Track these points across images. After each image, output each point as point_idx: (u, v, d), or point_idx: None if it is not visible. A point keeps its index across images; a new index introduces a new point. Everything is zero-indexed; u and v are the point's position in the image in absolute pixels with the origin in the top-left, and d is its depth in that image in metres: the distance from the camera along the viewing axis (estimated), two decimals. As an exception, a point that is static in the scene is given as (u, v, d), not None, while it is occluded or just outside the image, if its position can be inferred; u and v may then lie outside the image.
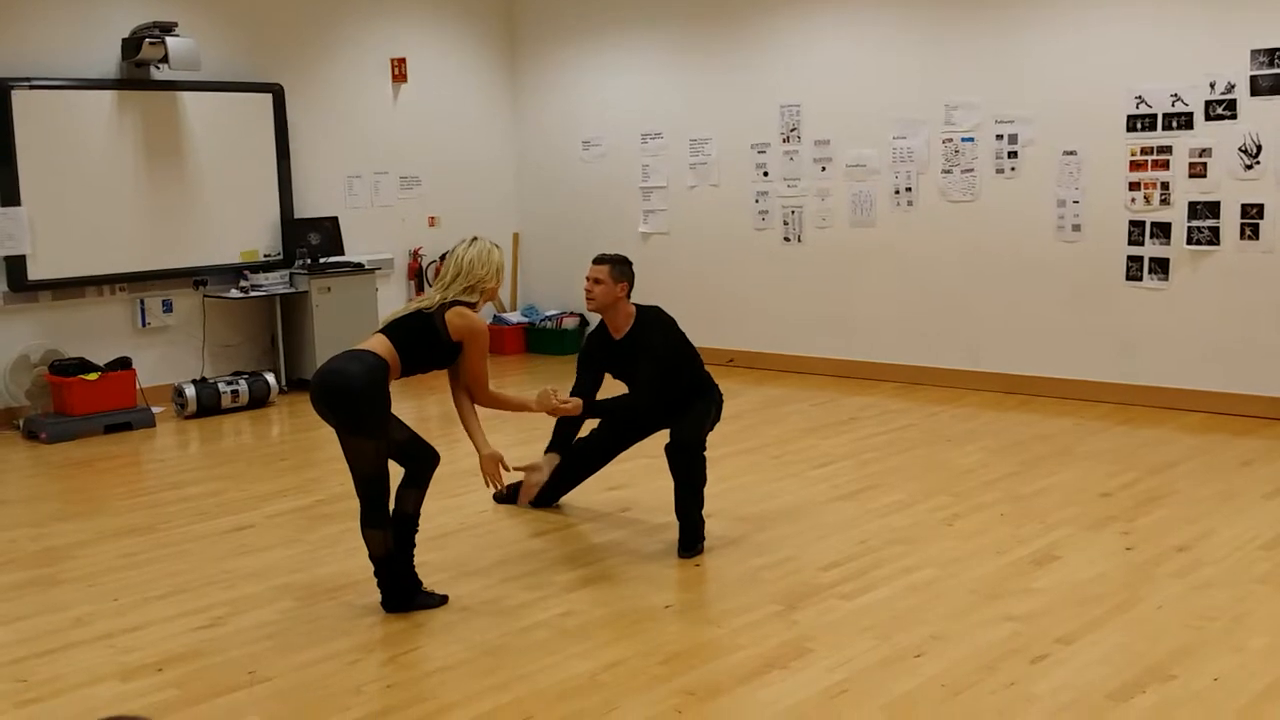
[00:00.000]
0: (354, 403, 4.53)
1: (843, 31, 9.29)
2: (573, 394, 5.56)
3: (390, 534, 4.68)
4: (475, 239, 4.92)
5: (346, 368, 4.56)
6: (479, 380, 4.91)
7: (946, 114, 8.78)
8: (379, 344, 4.67)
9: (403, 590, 4.73)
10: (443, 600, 4.79)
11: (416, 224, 10.70)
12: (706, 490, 5.68)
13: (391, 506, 4.74)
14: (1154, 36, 7.80)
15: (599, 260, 5.54)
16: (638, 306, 5.63)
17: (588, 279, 5.54)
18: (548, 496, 6.01)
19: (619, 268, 5.52)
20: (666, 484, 6.30)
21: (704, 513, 5.46)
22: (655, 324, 5.60)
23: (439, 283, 4.86)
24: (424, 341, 4.74)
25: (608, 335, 5.65)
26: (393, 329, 4.74)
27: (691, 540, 5.36)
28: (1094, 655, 4.13)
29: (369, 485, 4.63)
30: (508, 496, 5.98)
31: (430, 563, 5.12)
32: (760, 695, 3.90)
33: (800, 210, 9.69)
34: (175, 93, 9.09)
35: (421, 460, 4.83)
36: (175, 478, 7.06)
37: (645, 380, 5.51)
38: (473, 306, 4.82)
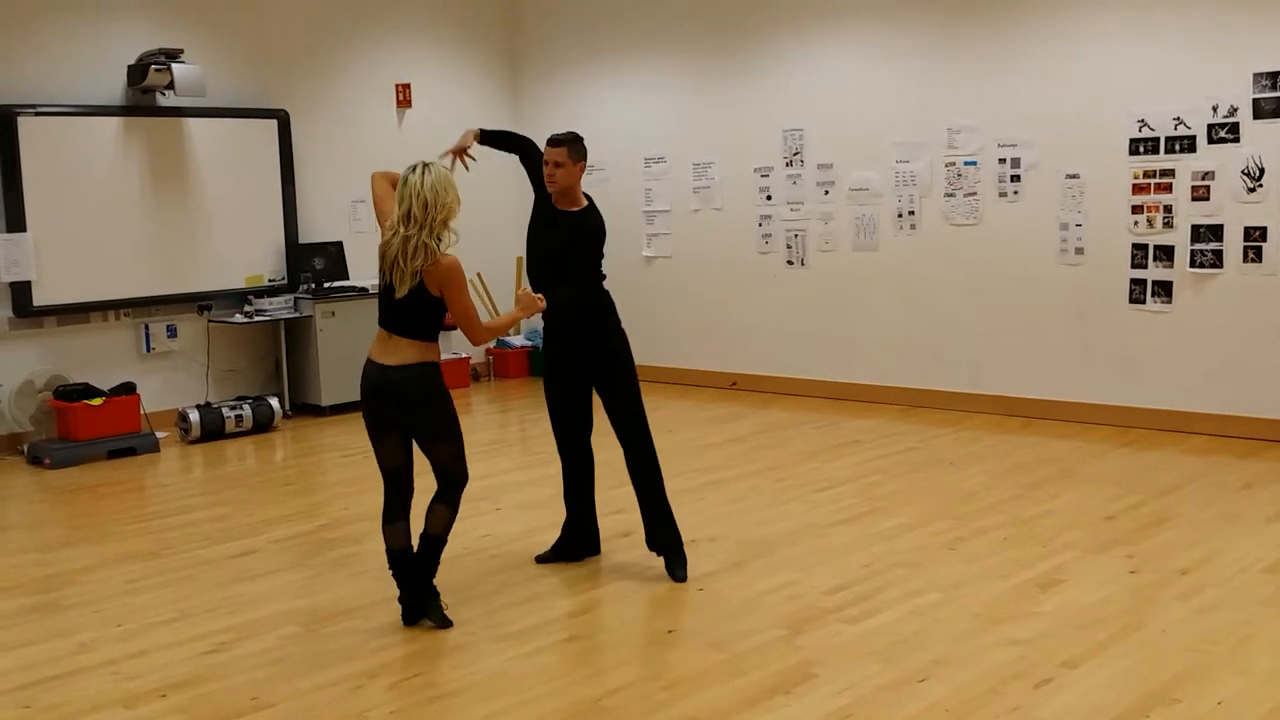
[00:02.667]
0: (433, 410, 4.76)
1: (846, 55, 9.33)
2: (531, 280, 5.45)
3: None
4: (426, 165, 4.62)
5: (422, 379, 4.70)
6: (468, 319, 4.72)
7: (949, 137, 8.81)
8: (417, 351, 4.67)
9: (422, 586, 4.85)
10: (448, 623, 4.80)
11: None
12: (710, 513, 5.67)
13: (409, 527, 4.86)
14: (1156, 60, 7.83)
15: (555, 142, 5.26)
16: (586, 195, 5.47)
17: (546, 163, 5.27)
18: (588, 545, 5.71)
19: (576, 146, 5.30)
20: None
21: (709, 536, 5.44)
22: (598, 214, 5.45)
23: (411, 225, 4.55)
24: (432, 314, 4.68)
25: (554, 207, 5.37)
26: (404, 322, 4.66)
27: (674, 540, 5.33)
28: (1098, 679, 4.12)
29: (460, 466, 4.88)
30: (549, 557, 5.75)
31: (435, 586, 5.12)
32: (764, 720, 3.90)
33: (803, 234, 9.72)
34: (181, 119, 9.13)
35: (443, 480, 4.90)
36: (179, 503, 7.07)
37: (587, 256, 5.37)
38: (440, 243, 4.62)
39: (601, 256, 5.47)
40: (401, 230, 4.59)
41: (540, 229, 5.43)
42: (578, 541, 5.66)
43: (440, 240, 4.60)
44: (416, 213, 4.56)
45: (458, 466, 4.86)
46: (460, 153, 5.37)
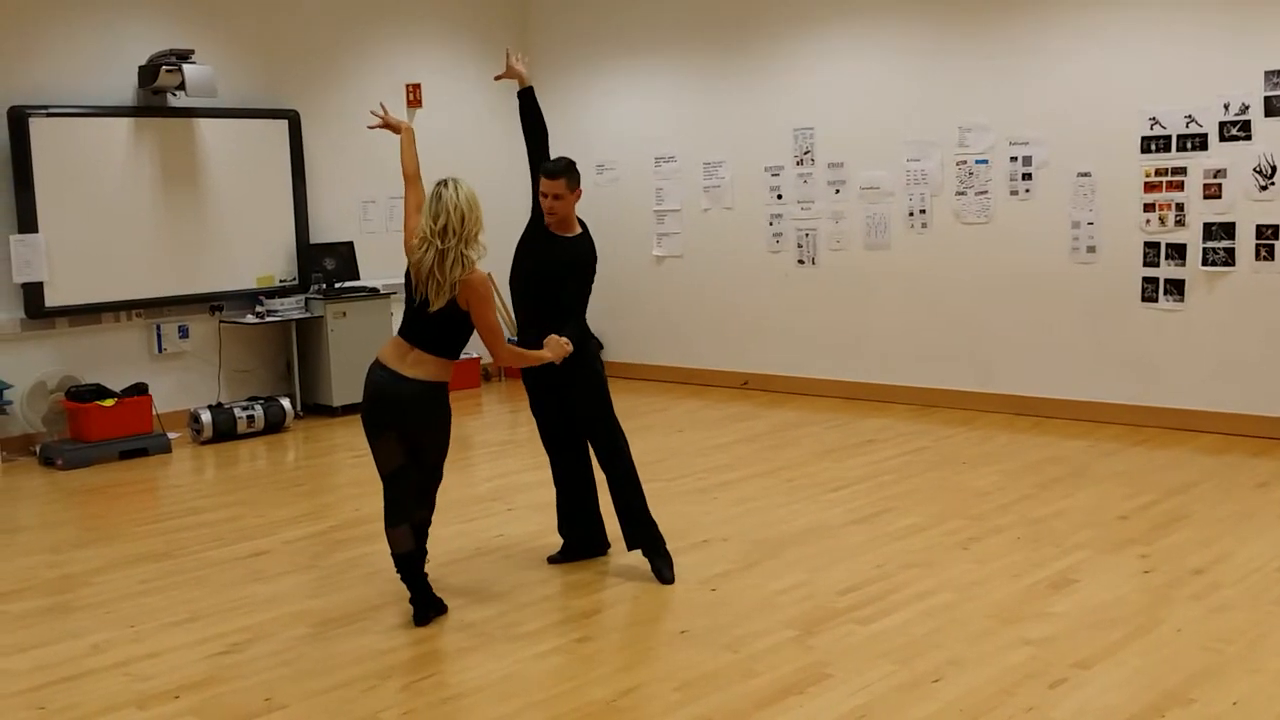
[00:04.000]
0: (436, 430, 4.84)
1: (856, 54, 9.32)
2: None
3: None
4: (455, 180, 4.72)
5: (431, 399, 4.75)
6: (495, 335, 4.77)
7: (960, 136, 8.79)
8: (437, 368, 4.72)
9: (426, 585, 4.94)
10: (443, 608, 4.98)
11: (431, 248, 10.73)
12: (721, 513, 5.62)
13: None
14: (1167, 58, 7.80)
15: (552, 174, 5.17)
16: (581, 221, 5.42)
17: (545, 195, 5.19)
18: (597, 545, 5.69)
19: (573, 176, 5.24)
20: (678, 509, 6.33)
21: (721, 536, 5.41)
22: (591, 243, 5.40)
23: (449, 238, 4.61)
24: (460, 330, 4.75)
25: (547, 228, 5.29)
26: (431, 338, 4.71)
27: (656, 542, 5.34)
28: (1113, 679, 4.11)
29: (439, 474, 4.96)
30: (560, 558, 5.64)
31: (447, 587, 5.12)
32: (777, 721, 3.89)
33: (814, 233, 9.71)
34: (192, 119, 9.14)
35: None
36: (191, 504, 7.08)
37: (579, 294, 5.33)
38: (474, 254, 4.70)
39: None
40: (438, 244, 4.62)
41: (533, 250, 5.37)
42: (585, 541, 5.65)
43: (474, 251, 4.66)
44: (454, 225, 4.61)
45: (438, 474, 4.97)
46: (513, 73, 5.46)
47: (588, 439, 5.46)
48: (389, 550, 4.91)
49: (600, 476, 5.55)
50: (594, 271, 5.43)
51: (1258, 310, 7.60)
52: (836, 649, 4.45)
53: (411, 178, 5.05)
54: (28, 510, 7.15)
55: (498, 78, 5.74)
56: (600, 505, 5.66)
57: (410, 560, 4.85)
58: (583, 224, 5.41)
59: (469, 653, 4.56)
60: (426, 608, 4.87)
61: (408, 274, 4.80)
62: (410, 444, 4.81)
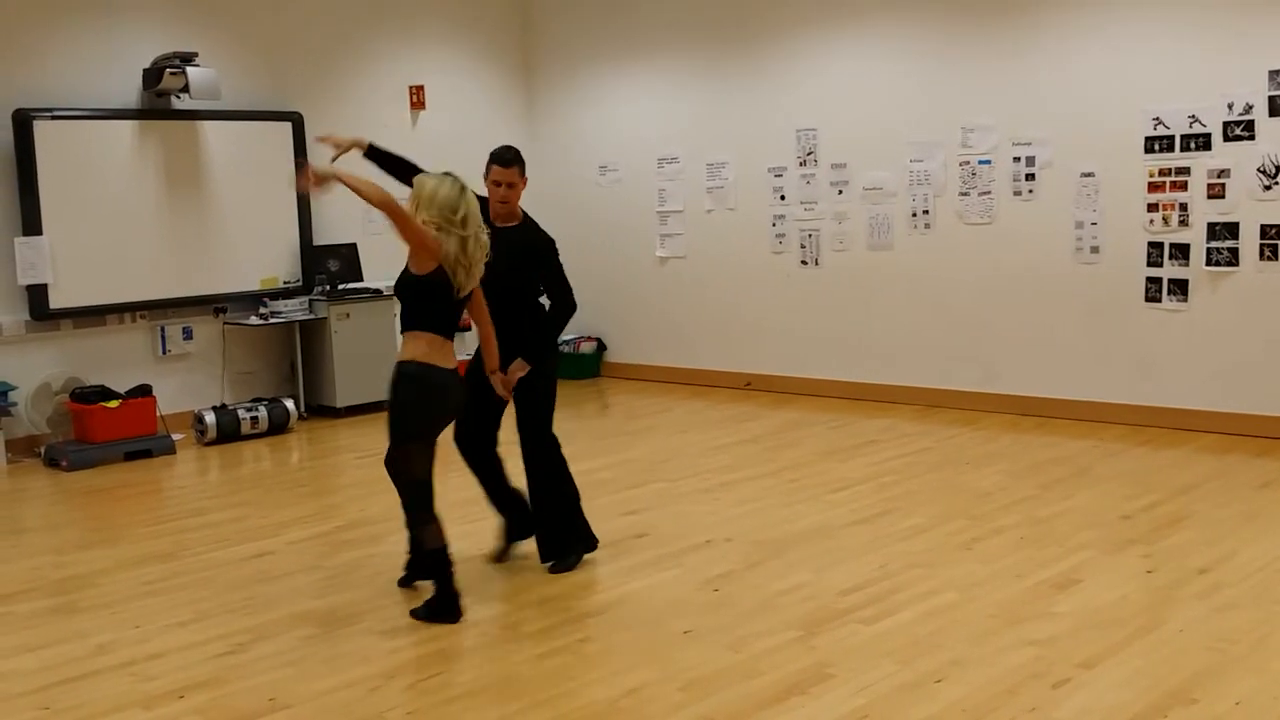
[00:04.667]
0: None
1: (859, 55, 9.32)
2: None
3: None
4: (452, 176, 4.84)
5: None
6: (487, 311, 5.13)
7: (963, 136, 8.79)
8: (450, 352, 4.89)
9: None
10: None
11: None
12: (724, 513, 5.58)
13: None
14: (1171, 58, 7.80)
15: (505, 162, 5.22)
16: (521, 209, 5.43)
17: (499, 184, 5.23)
18: (528, 524, 5.64)
19: (522, 164, 5.30)
20: (681, 510, 6.34)
21: (724, 537, 5.41)
22: (540, 230, 5.41)
23: (470, 225, 4.77)
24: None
25: (491, 221, 5.18)
26: (455, 326, 4.91)
27: (557, 548, 5.40)
28: (1116, 679, 4.11)
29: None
30: (499, 558, 5.66)
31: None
32: (780, 721, 3.90)
33: (817, 233, 9.71)
34: (196, 122, 9.16)
35: None
36: (195, 504, 7.09)
37: (558, 280, 5.44)
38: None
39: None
40: (460, 232, 4.75)
41: None
42: (515, 523, 5.62)
43: (485, 237, 4.86)
44: (475, 212, 4.80)
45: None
46: (347, 147, 5.40)
47: (520, 438, 5.46)
48: (398, 548, 4.92)
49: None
50: (556, 253, 5.45)
51: (1261, 310, 7.60)
52: (839, 649, 4.45)
53: (386, 200, 4.62)
54: (33, 511, 7.17)
55: (331, 148, 5.47)
56: (582, 501, 5.63)
57: (446, 554, 4.88)
58: (525, 213, 5.41)
59: (473, 653, 4.56)
60: (457, 601, 4.88)
61: (427, 279, 4.76)
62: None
